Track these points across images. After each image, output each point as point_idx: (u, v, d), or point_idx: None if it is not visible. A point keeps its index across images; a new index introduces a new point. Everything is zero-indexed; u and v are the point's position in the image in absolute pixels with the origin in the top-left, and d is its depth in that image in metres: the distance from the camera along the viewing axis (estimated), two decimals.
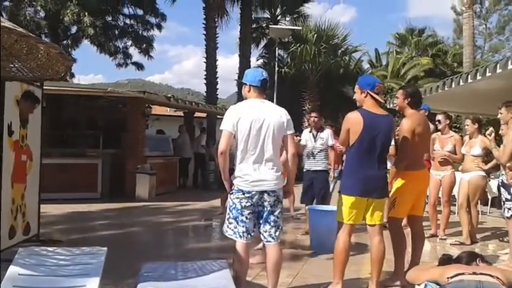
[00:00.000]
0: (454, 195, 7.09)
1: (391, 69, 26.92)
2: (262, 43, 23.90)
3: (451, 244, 6.41)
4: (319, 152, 6.96)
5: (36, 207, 5.96)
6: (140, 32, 21.58)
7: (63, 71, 5.10)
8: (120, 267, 4.26)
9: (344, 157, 7.91)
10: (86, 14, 17.92)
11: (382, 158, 4.06)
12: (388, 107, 11.89)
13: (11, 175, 5.16)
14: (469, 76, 7.87)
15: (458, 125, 19.05)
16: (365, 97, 4.10)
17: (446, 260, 3.20)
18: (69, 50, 20.67)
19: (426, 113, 6.06)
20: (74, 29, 20.09)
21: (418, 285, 3.07)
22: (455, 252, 4.06)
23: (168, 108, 18.55)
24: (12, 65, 5.28)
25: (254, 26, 23.16)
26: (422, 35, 30.72)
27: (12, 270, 3.02)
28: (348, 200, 3.99)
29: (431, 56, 28.65)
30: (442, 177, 6.76)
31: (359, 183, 3.96)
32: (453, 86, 8.59)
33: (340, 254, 4.02)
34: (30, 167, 5.71)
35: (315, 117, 7.08)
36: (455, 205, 7.11)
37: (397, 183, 4.42)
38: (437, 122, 6.80)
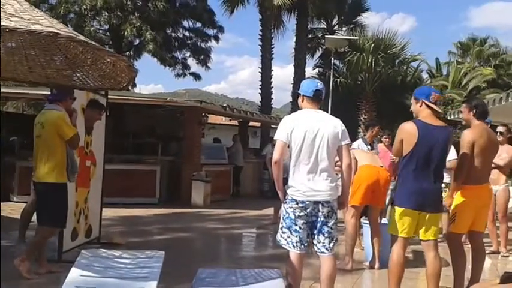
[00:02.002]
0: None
1: (451, 79, 26.02)
2: (318, 53, 23.81)
3: None
4: None
5: (98, 210, 6.19)
6: (199, 44, 22.03)
7: (126, 81, 5.30)
8: (174, 271, 4.35)
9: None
10: (148, 27, 18.43)
11: (437, 171, 3.94)
12: (449, 118, 11.49)
13: (75, 180, 5.42)
14: None
15: None
16: (420, 107, 4.00)
17: (508, 278, 3.07)
18: (132, 60, 21.37)
19: (488, 126, 5.84)
20: (137, 41, 20.74)
21: None
22: None
23: (224, 117, 18.83)
24: (74, 75, 5.56)
25: (310, 36, 23.12)
26: (485, 44, 29.53)
27: (75, 271, 3.13)
28: (399, 212, 3.92)
29: (494, 67, 27.43)
30: (496, 191, 6.46)
31: (411, 196, 3.87)
32: None
33: (394, 268, 3.93)
34: (94, 172, 5.96)
35: (380, 129, 7.03)
36: None
37: (457, 197, 4.28)
38: (498, 134, 6.52)
